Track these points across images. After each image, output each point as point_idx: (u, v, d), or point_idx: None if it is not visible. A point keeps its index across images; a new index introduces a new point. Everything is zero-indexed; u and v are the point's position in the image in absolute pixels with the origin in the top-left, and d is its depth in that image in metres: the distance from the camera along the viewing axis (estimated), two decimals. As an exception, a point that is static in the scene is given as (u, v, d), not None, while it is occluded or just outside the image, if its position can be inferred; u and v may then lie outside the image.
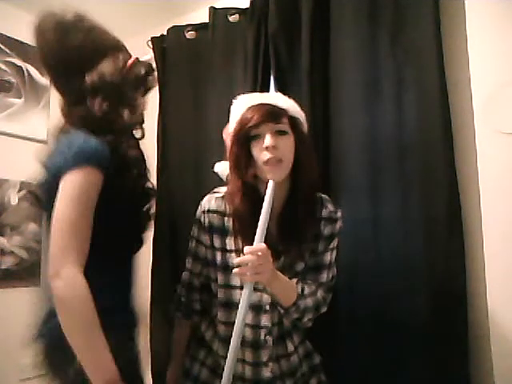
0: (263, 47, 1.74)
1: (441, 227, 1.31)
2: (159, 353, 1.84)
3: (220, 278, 1.19)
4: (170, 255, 1.91)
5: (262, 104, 1.12)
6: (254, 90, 1.73)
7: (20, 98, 2.25)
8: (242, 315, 0.98)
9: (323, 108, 1.57)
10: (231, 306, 1.16)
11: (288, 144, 1.11)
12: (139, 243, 1.16)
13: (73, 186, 0.95)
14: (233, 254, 1.17)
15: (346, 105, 1.52)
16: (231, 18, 1.86)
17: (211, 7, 1.91)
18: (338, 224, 1.20)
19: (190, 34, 2.00)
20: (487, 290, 1.28)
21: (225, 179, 1.27)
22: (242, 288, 1.05)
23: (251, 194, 1.12)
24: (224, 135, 1.37)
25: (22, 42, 2.25)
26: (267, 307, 1.15)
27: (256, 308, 1.15)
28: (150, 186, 1.17)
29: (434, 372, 1.27)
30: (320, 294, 1.16)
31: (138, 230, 1.15)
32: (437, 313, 1.29)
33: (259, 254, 0.97)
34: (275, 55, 1.69)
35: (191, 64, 2.01)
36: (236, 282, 1.15)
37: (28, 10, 2.26)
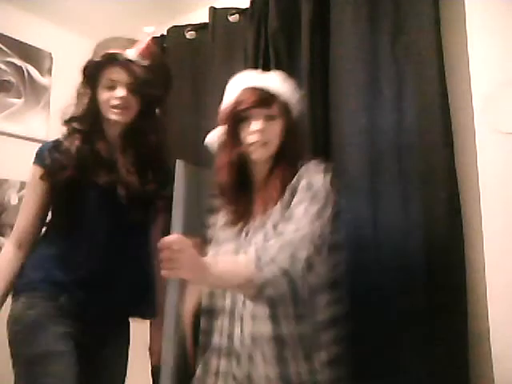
0: (263, 47, 1.74)
1: (441, 227, 1.31)
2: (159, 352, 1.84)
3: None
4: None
5: (254, 88, 1.16)
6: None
7: (20, 98, 2.25)
8: (169, 316, 0.94)
9: (323, 108, 1.57)
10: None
11: (275, 128, 1.15)
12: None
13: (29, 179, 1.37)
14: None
15: (346, 105, 1.52)
16: (231, 18, 1.86)
17: (211, 7, 1.92)
18: (318, 176, 1.09)
19: (190, 34, 2.00)
20: (487, 290, 1.27)
21: (214, 151, 1.27)
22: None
23: (236, 170, 1.18)
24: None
25: (21, 42, 2.25)
26: None
27: None
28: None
29: (434, 371, 1.28)
30: (280, 248, 0.99)
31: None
32: (436, 312, 1.29)
33: (173, 247, 0.88)
34: (275, 55, 1.69)
35: (191, 64, 2.01)
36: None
37: (28, 10, 2.27)
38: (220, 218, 1.22)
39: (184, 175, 0.96)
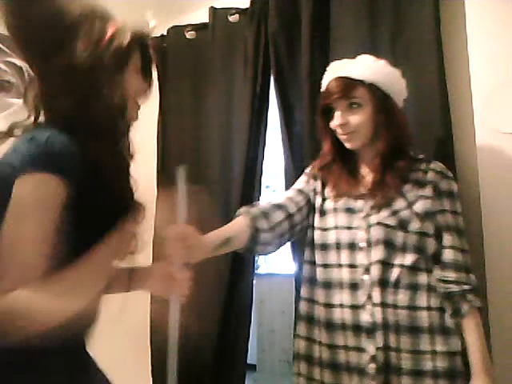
0: (263, 47, 1.74)
1: (441, 227, 1.31)
2: (159, 351, 1.84)
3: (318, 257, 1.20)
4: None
5: (338, 78, 1.16)
6: (253, 90, 1.74)
7: (20, 98, 2.25)
8: (173, 319, 1.02)
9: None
10: (330, 285, 1.16)
11: (361, 116, 1.15)
12: None
13: (27, 193, 0.75)
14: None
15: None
16: (231, 18, 1.86)
17: (211, 7, 1.92)
18: (453, 184, 1.16)
19: (190, 34, 2.00)
20: (487, 290, 1.27)
21: None
22: (339, 266, 1.14)
23: (338, 153, 1.22)
24: None
25: (22, 42, 2.25)
26: (361, 245, 1.12)
27: (350, 246, 1.14)
28: (135, 199, 0.94)
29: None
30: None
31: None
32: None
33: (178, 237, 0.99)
34: (275, 55, 1.69)
35: (191, 64, 2.01)
36: (333, 260, 1.17)
37: (28, 10, 2.26)
38: (322, 191, 1.25)
39: (185, 179, 1.03)
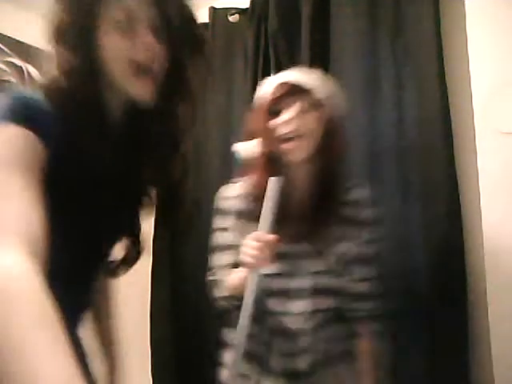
0: (263, 47, 1.74)
1: (441, 227, 1.31)
2: (158, 352, 1.84)
3: None
4: (171, 256, 1.91)
5: (287, 82, 1.10)
6: (253, 90, 1.73)
7: (20, 97, 2.25)
8: (248, 301, 0.99)
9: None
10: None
11: (309, 121, 1.07)
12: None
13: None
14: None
15: (346, 105, 1.52)
16: (231, 18, 1.86)
17: (211, 7, 1.91)
18: (369, 210, 1.14)
19: (190, 34, 2.00)
20: (487, 290, 1.27)
21: (241, 160, 1.23)
22: (278, 275, 1.08)
23: (271, 171, 1.07)
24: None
25: (21, 42, 2.25)
26: (297, 293, 1.09)
27: (283, 294, 1.11)
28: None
29: (434, 371, 1.28)
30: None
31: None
32: (437, 313, 1.30)
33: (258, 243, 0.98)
34: (275, 55, 1.69)
35: (191, 64, 2.01)
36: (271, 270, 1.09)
37: (28, 10, 2.27)
38: (248, 226, 1.12)
39: (277, 190, 1.00)
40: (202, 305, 1.64)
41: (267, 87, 1.15)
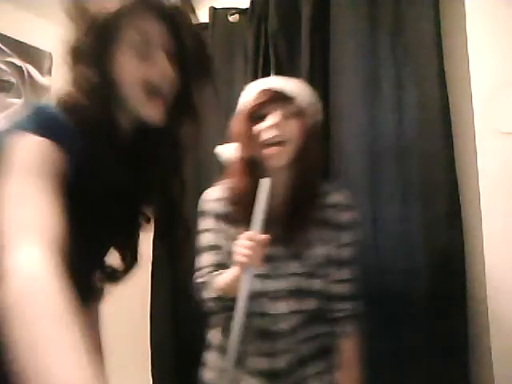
0: (263, 47, 1.74)
1: (441, 227, 1.31)
2: (158, 352, 1.84)
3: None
4: (171, 256, 1.91)
5: (270, 89, 1.12)
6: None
7: (20, 98, 2.25)
8: (242, 300, 1.00)
9: (323, 108, 1.57)
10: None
11: (292, 127, 1.10)
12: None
13: (20, 154, 0.63)
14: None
15: (346, 105, 1.52)
16: (231, 18, 1.86)
17: (211, 7, 1.92)
18: (348, 213, 1.16)
19: (189, 34, 2.00)
20: (487, 291, 1.27)
21: (224, 161, 1.24)
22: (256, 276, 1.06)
23: (251, 177, 1.10)
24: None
25: (21, 42, 2.25)
26: (275, 295, 1.11)
27: (262, 295, 1.11)
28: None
29: (434, 371, 1.28)
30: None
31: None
32: (437, 314, 1.29)
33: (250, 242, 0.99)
34: (275, 55, 1.69)
35: (191, 64, 2.01)
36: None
37: (28, 9, 2.27)
38: (227, 228, 1.16)
39: (268, 190, 1.01)
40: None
41: (250, 93, 1.16)
